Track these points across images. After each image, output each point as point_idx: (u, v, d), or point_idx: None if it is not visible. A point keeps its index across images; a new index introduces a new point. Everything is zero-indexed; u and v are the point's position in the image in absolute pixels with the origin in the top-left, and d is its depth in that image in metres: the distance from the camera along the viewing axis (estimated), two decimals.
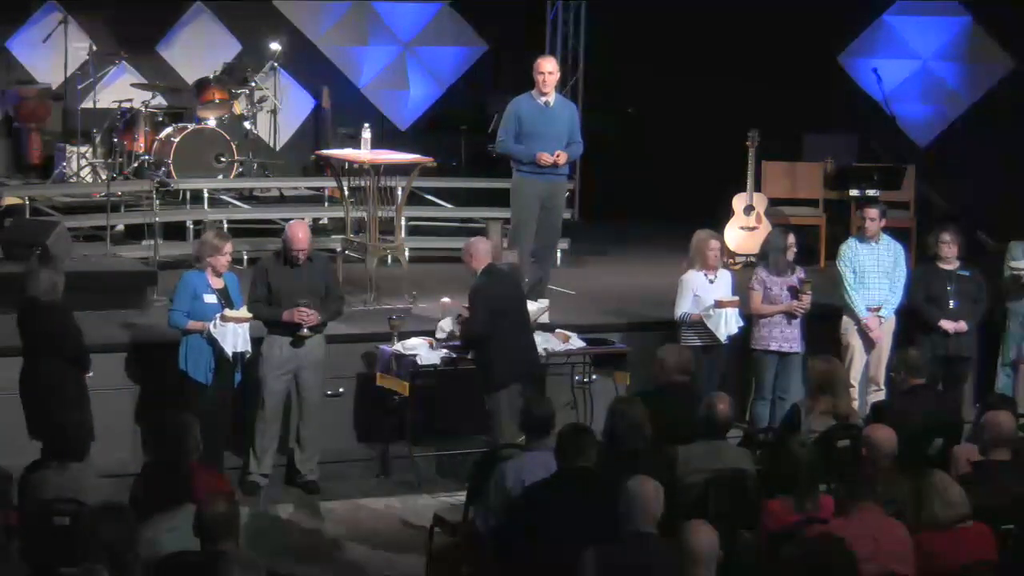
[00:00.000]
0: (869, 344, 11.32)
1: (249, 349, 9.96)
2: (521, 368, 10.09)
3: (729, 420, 8.28)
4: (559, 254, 14.27)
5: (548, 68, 11.50)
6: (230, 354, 9.82)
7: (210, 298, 9.93)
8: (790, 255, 11.08)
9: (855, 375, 11.27)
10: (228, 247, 10.06)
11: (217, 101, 15.00)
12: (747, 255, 13.66)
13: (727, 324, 10.75)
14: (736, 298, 10.92)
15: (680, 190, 15.15)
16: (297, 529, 9.77)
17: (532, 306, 10.90)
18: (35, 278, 9.54)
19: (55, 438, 8.74)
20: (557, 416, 8.14)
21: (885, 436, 7.93)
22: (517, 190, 11.53)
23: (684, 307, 10.88)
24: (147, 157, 14.53)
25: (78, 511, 6.83)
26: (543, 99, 11.47)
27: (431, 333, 10.66)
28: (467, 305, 10.17)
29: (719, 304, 10.75)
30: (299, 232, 10.20)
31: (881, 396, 10.94)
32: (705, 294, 10.84)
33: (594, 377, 11.12)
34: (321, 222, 14.38)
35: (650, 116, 17.01)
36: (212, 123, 14.82)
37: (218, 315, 9.82)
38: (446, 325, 10.61)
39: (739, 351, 11.24)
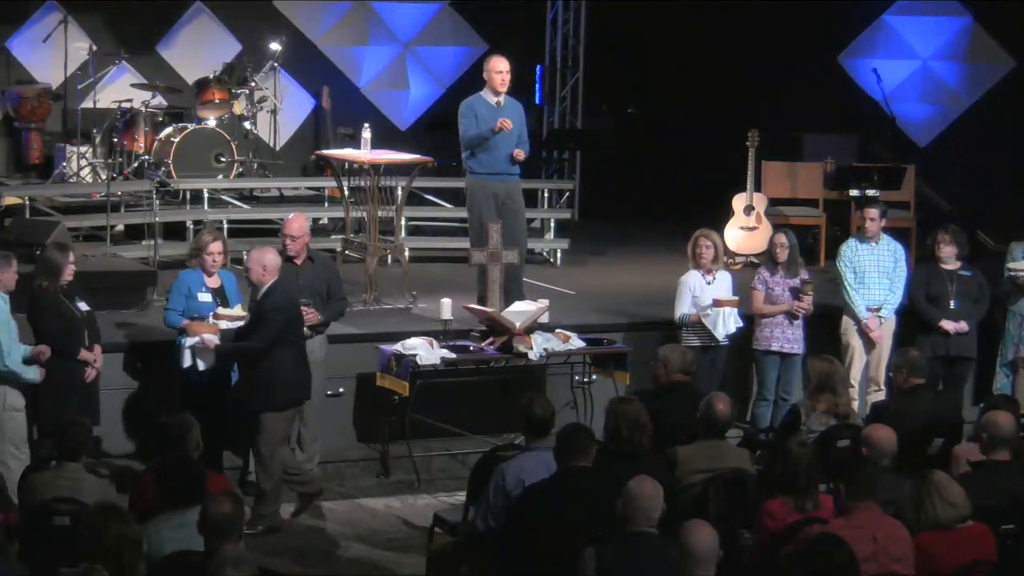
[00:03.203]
0: (869, 344, 11.32)
1: None
2: (301, 395, 9.71)
3: (729, 420, 8.28)
4: (559, 254, 14.32)
5: (505, 67, 11.37)
6: (185, 366, 9.65)
7: (204, 296, 9.92)
8: (780, 255, 11.06)
9: (855, 375, 11.26)
10: (216, 246, 10.01)
11: (217, 101, 14.99)
12: (747, 255, 13.67)
13: (725, 323, 10.75)
14: (735, 298, 10.93)
15: (680, 190, 15.15)
16: (297, 529, 9.76)
17: (531, 306, 10.88)
18: (38, 262, 9.53)
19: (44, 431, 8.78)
20: (557, 416, 8.14)
21: (885, 436, 7.93)
22: (472, 192, 11.45)
23: (683, 308, 10.89)
24: (147, 157, 14.52)
25: (78, 511, 6.82)
26: (496, 99, 11.40)
27: (431, 333, 10.65)
28: (250, 317, 9.62)
29: (717, 303, 10.76)
30: (293, 221, 10.22)
31: (881, 396, 10.93)
32: (703, 295, 10.85)
33: (594, 377, 11.11)
34: (321, 222, 14.38)
35: (649, 116, 17.02)
36: (212, 123, 14.81)
37: (211, 313, 9.82)
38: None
39: (739, 351, 11.25)
